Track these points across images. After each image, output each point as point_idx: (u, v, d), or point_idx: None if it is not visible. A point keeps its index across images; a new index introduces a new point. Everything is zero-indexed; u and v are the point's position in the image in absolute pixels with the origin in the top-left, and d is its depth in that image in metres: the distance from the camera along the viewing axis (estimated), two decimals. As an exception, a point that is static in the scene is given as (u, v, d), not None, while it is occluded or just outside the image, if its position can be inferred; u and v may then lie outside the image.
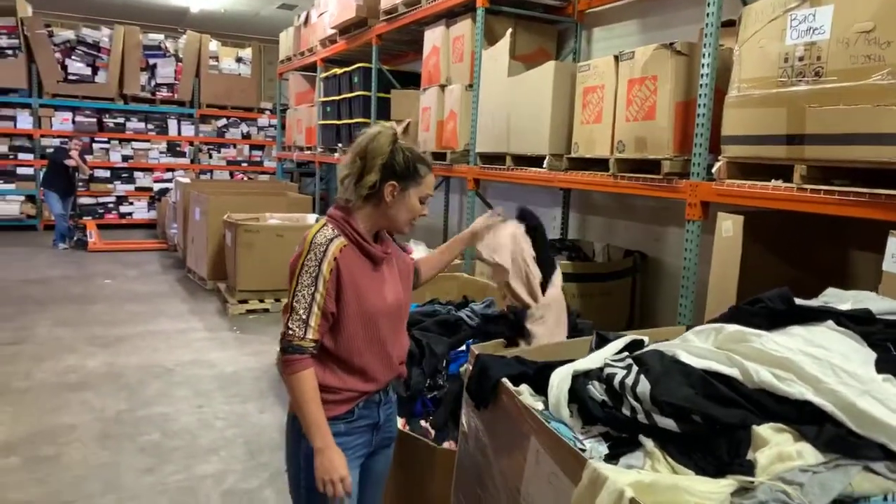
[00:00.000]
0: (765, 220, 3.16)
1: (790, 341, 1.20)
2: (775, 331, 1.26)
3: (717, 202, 3.25)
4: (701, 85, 3.26)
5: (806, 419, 1.10)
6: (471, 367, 1.52)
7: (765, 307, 1.31)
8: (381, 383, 1.76)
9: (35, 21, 10.65)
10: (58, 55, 10.94)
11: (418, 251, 4.66)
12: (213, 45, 12.33)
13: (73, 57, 11.06)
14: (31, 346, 5.04)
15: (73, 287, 7.04)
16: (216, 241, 7.01)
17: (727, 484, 1.03)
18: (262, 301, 6.36)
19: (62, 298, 6.52)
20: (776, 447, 1.07)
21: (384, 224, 1.75)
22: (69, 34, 11.10)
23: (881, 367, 1.19)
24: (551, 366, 1.38)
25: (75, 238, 9.51)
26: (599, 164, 3.92)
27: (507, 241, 2.18)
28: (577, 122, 4.11)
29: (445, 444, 2.05)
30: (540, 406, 1.30)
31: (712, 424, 1.11)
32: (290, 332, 1.60)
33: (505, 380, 1.37)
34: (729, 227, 3.11)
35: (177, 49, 12.01)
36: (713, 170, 3.18)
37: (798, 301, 1.35)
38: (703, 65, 3.25)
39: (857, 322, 1.26)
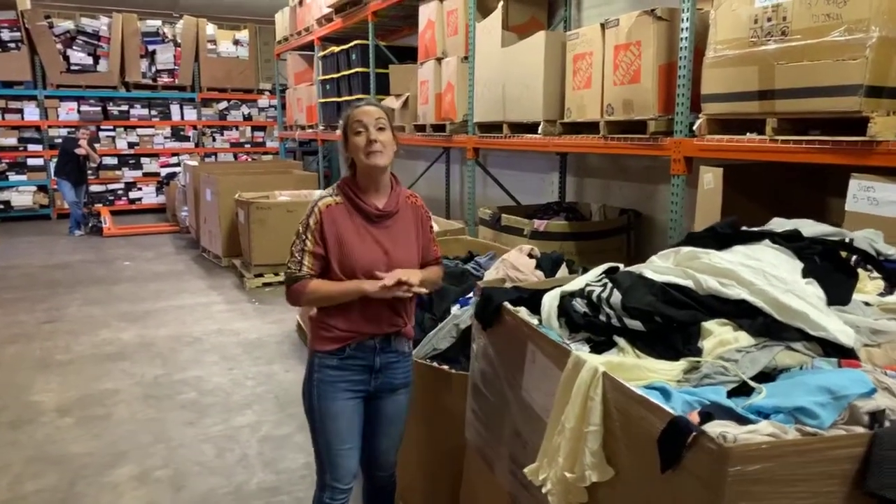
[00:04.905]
0: (745, 171, 3.43)
1: (732, 256, 1.49)
2: (723, 251, 1.55)
3: (699, 157, 3.51)
4: (681, 48, 3.49)
5: (743, 314, 1.39)
6: (477, 298, 1.82)
7: (714, 232, 1.60)
8: (369, 332, 1.96)
9: (34, 13, 10.81)
10: (59, 46, 11.12)
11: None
12: (210, 29, 12.46)
13: (74, 47, 11.24)
14: (66, 323, 5.38)
15: (95, 270, 7.37)
16: (228, 219, 7.30)
17: (680, 363, 1.33)
18: (276, 274, 6.66)
19: (87, 280, 6.85)
20: (719, 336, 1.37)
21: (364, 171, 1.96)
22: (68, 24, 11.26)
23: (806, 273, 1.48)
24: (543, 292, 1.68)
25: (90, 224, 9.82)
26: (591, 128, 4.17)
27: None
28: (568, 88, 4.35)
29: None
30: (535, 322, 1.59)
31: (670, 323, 1.40)
32: (289, 269, 1.96)
33: (506, 303, 1.67)
34: (710, 179, 3.38)
35: (174, 34, 12.16)
36: (694, 127, 3.43)
37: (745, 228, 1.65)
38: (682, 29, 3.48)
39: (788, 240, 1.55)
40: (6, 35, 10.64)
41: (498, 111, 5.04)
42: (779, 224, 1.71)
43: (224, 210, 7.28)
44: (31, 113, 11.10)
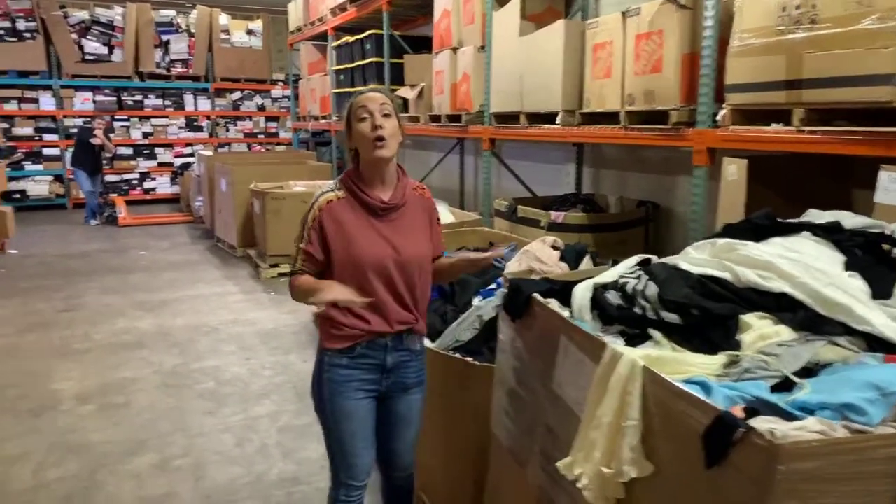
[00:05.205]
0: (769, 162, 3.36)
1: (771, 248, 1.45)
2: (761, 242, 1.52)
3: (722, 148, 3.45)
4: (705, 37, 3.43)
5: (783, 308, 1.36)
6: (505, 289, 1.79)
7: (751, 223, 1.57)
8: (379, 330, 1.91)
9: (50, 3, 10.84)
10: (74, 36, 11.15)
11: (440, 209, 4.89)
12: (224, 19, 12.45)
13: (88, 37, 11.27)
14: (84, 312, 5.42)
15: (111, 259, 7.41)
16: (243, 209, 7.30)
17: (719, 357, 1.30)
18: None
19: (103, 270, 6.90)
20: (759, 330, 1.34)
21: (368, 163, 1.90)
22: (83, 14, 11.28)
23: (848, 266, 1.44)
24: (574, 283, 1.65)
25: (106, 214, 9.88)
26: (610, 118, 4.12)
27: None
28: (587, 77, 4.30)
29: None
30: (566, 314, 1.57)
31: (707, 316, 1.37)
32: (292, 263, 1.97)
33: (536, 294, 1.64)
34: (734, 170, 3.33)
35: (188, 24, 12.16)
36: (718, 117, 3.38)
37: (782, 220, 1.61)
38: (706, 17, 3.41)
39: (829, 232, 1.52)
40: (21, 25, 10.68)
41: (515, 101, 4.99)
42: (815, 216, 1.67)
43: (239, 200, 7.29)
44: (47, 103, 11.15)
